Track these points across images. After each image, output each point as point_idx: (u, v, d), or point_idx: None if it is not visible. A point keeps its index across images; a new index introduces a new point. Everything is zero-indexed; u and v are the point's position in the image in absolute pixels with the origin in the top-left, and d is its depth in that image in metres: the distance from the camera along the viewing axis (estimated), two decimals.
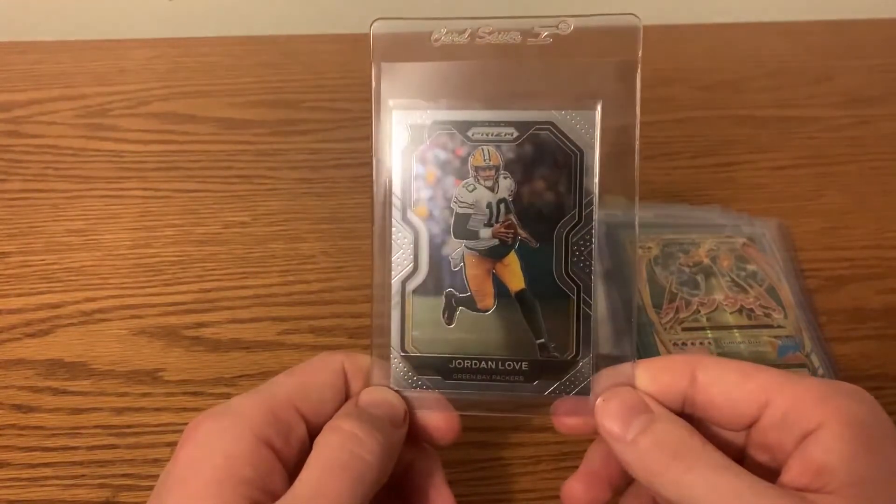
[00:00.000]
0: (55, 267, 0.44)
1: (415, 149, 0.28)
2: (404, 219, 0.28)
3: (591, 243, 0.28)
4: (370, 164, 0.28)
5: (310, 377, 0.28)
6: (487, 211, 0.28)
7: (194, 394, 0.39)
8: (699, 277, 0.43)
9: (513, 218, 0.28)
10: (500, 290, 0.28)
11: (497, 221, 0.28)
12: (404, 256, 0.28)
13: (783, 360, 0.40)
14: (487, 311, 0.28)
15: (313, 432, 0.27)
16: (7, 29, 0.65)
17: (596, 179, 0.28)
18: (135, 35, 0.63)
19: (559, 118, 0.28)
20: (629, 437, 0.26)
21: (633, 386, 0.28)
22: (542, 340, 0.28)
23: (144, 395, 0.39)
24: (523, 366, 0.28)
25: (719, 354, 0.40)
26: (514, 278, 0.28)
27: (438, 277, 0.28)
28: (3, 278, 0.44)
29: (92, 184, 0.49)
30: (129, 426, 0.37)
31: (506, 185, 0.28)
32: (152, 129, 0.54)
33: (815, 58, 0.64)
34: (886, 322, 0.42)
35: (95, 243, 0.46)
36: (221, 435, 0.26)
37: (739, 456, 0.28)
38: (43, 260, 0.45)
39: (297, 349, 0.41)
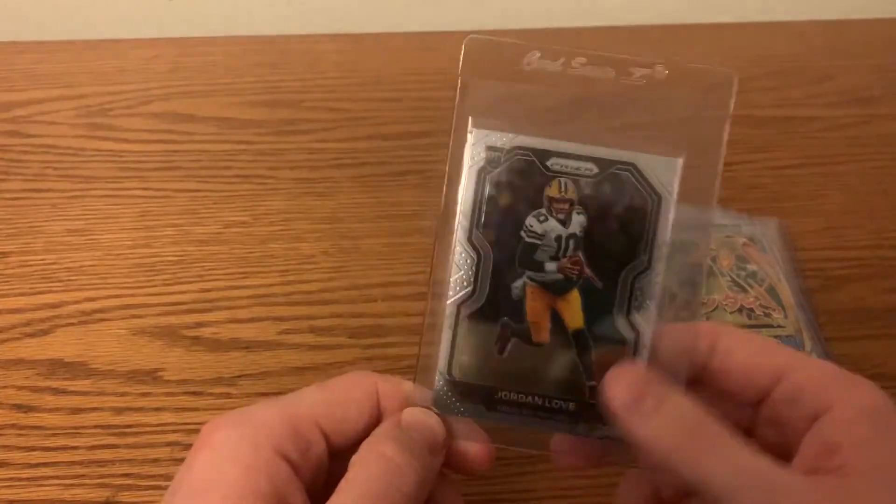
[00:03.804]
0: (55, 267, 0.44)
1: (490, 170, 0.27)
2: (469, 240, 0.27)
3: (654, 291, 0.27)
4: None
5: (339, 395, 0.27)
6: (556, 244, 0.27)
7: (194, 393, 0.39)
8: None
9: (581, 255, 0.27)
10: (558, 326, 0.27)
11: (564, 256, 0.27)
12: (464, 278, 0.27)
13: None
14: (541, 345, 0.27)
15: (333, 449, 0.27)
16: (7, 29, 0.65)
17: (669, 228, 0.27)
18: (135, 35, 0.63)
19: (642, 161, 0.27)
20: (641, 414, 0.25)
21: (643, 364, 0.27)
22: (594, 383, 0.27)
23: (144, 394, 0.39)
24: (571, 406, 0.27)
25: None
26: (574, 316, 0.27)
27: (496, 305, 0.27)
28: (3, 278, 0.44)
29: (92, 183, 0.49)
30: (128, 426, 0.37)
31: (578, 220, 0.27)
32: (152, 128, 0.54)
33: (815, 58, 0.64)
34: (886, 322, 0.42)
35: (95, 243, 0.46)
36: (239, 444, 0.25)
37: (747, 434, 0.27)
38: (43, 260, 0.45)
39: (296, 349, 0.41)
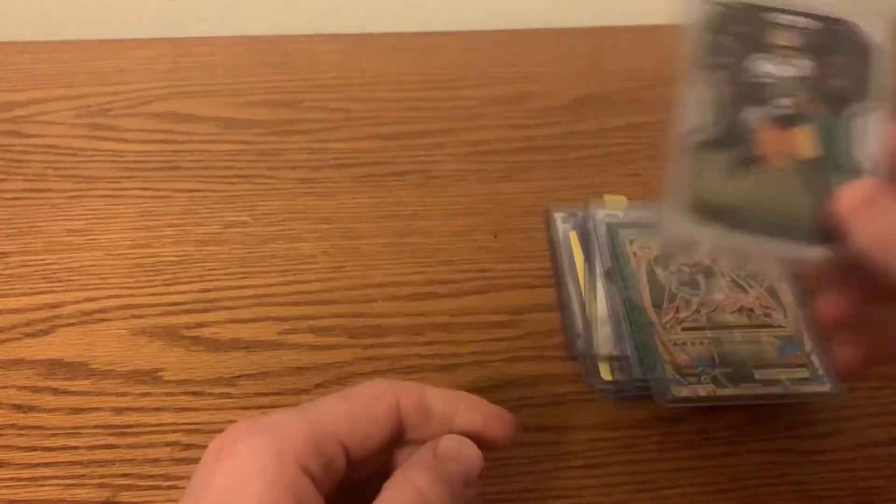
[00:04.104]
0: (55, 267, 0.44)
1: (720, 21, 0.30)
2: (701, 79, 0.30)
3: (880, 127, 0.29)
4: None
5: (361, 410, 0.27)
6: (787, 83, 0.30)
7: (194, 393, 0.39)
8: (699, 277, 0.43)
9: (807, 94, 0.30)
10: (791, 156, 0.29)
11: (795, 93, 0.30)
12: (699, 111, 0.30)
13: (783, 360, 0.40)
14: (776, 173, 0.29)
15: (352, 463, 0.27)
16: (7, 29, 0.65)
17: (888, 73, 0.30)
18: (135, 35, 0.63)
19: (857, 18, 0.31)
20: (868, 216, 0.26)
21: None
22: (827, 208, 0.28)
23: (144, 394, 0.39)
24: (806, 228, 0.29)
25: (719, 354, 0.40)
26: (806, 146, 0.29)
27: (731, 135, 0.29)
28: (3, 278, 0.44)
29: (92, 183, 0.49)
30: (129, 426, 0.37)
31: (803, 63, 0.30)
32: (152, 128, 0.54)
33: None
34: None
35: (95, 243, 0.46)
36: (264, 457, 0.24)
37: None
38: (43, 260, 0.45)
39: (296, 349, 0.41)
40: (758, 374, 0.39)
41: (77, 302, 0.42)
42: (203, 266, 0.45)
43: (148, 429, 0.37)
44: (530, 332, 0.42)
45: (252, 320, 0.42)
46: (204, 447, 0.37)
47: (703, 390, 0.38)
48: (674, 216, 0.28)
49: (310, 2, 0.67)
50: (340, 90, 0.58)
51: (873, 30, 0.31)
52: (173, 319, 0.42)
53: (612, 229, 0.45)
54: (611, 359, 0.40)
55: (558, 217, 0.47)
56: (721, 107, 0.29)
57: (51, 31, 0.65)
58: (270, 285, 0.44)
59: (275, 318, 0.42)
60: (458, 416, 0.29)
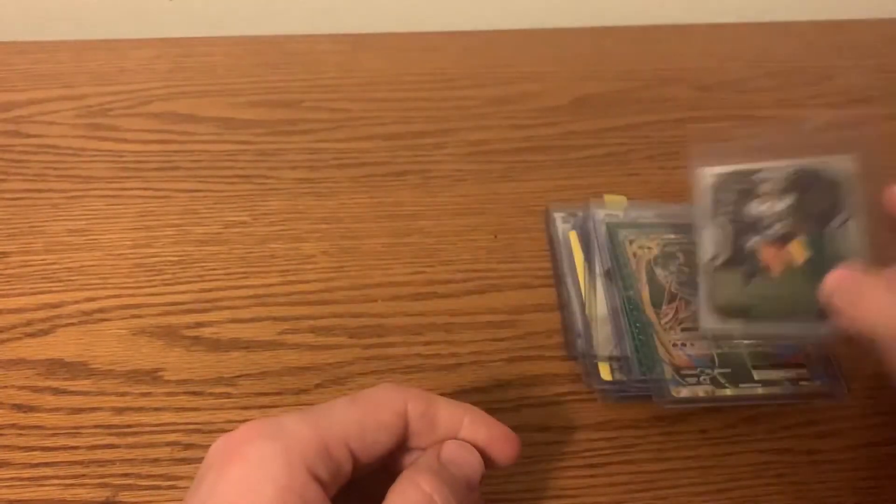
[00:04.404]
0: (55, 267, 0.44)
1: (721, 185, 0.39)
2: (714, 222, 0.38)
3: (858, 236, 0.37)
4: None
5: (370, 416, 0.27)
6: (775, 216, 0.38)
7: (194, 393, 0.39)
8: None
9: (796, 218, 0.38)
10: (788, 262, 0.37)
11: (783, 221, 0.38)
12: (712, 245, 0.38)
13: (783, 360, 0.40)
14: (775, 279, 0.37)
15: (357, 467, 0.27)
16: (7, 29, 0.65)
17: (858, 192, 0.38)
18: (135, 35, 0.63)
19: (817, 163, 0.39)
20: (840, 296, 0.33)
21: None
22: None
23: (144, 394, 0.39)
24: (807, 314, 0.35)
25: (719, 355, 0.40)
26: (799, 253, 0.37)
27: (737, 257, 0.38)
28: (4, 278, 0.44)
29: (92, 184, 0.49)
30: (129, 426, 0.37)
31: (787, 200, 0.38)
32: (152, 128, 0.54)
33: (815, 58, 0.64)
34: None
35: (95, 243, 0.46)
36: (274, 462, 0.25)
37: None
38: (43, 260, 0.45)
39: (296, 349, 0.41)
40: (757, 375, 0.39)
41: (77, 302, 0.42)
42: (203, 266, 0.45)
43: (148, 429, 0.37)
44: (530, 332, 0.42)
45: (252, 320, 0.42)
46: (204, 447, 0.37)
47: (702, 391, 0.38)
48: (706, 318, 0.37)
49: (310, 2, 0.67)
50: (340, 90, 0.58)
51: (838, 167, 0.39)
52: (173, 319, 0.42)
53: (612, 229, 0.45)
54: (610, 359, 0.40)
55: (558, 217, 0.47)
56: (729, 239, 0.38)
57: (51, 31, 0.65)
58: (270, 285, 0.44)
59: (275, 318, 0.42)
60: (462, 430, 0.29)
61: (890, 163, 0.39)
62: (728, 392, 0.38)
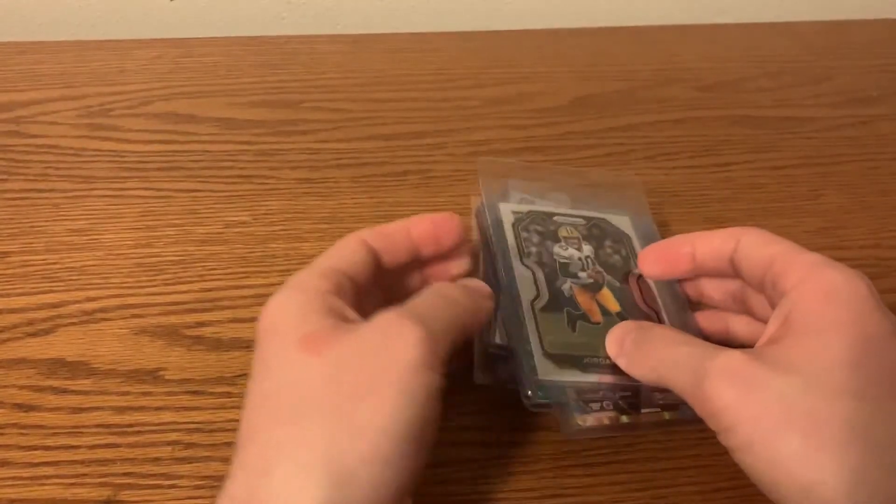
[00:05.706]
0: (56, 266, 0.44)
1: (521, 223, 0.41)
2: (522, 263, 0.38)
3: (651, 286, 0.40)
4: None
5: (343, 252, 0.34)
6: (580, 262, 0.40)
7: (195, 393, 0.39)
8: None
9: (599, 267, 0.40)
10: (604, 310, 0.38)
11: (588, 269, 0.40)
12: (529, 286, 0.37)
13: None
14: (598, 323, 0.37)
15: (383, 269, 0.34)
16: (7, 29, 0.65)
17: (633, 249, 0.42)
18: (136, 35, 0.63)
19: (609, 217, 0.43)
20: (621, 352, 0.34)
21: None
22: None
23: (145, 394, 0.39)
24: None
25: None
26: (611, 303, 0.38)
27: (557, 300, 0.37)
28: (5, 278, 0.44)
29: (93, 184, 0.50)
30: (130, 425, 0.37)
31: (587, 248, 0.40)
32: (153, 128, 0.54)
33: (815, 58, 0.64)
34: None
35: (97, 243, 0.46)
36: (290, 296, 0.31)
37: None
38: (44, 259, 0.45)
39: None
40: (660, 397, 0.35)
41: (78, 301, 0.43)
42: (204, 266, 0.45)
43: (149, 428, 0.37)
44: None
45: (253, 320, 0.42)
46: (205, 447, 0.37)
47: (606, 418, 0.34)
48: (536, 365, 0.34)
49: (310, 2, 0.67)
50: (340, 90, 0.58)
51: (619, 222, 0.43)
52: (174, 319, 0.42)
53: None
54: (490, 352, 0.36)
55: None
56: (542, 282, 0.38)
57: (51, 31, 0.65)
58: (271, 285, 0.44)
59: None
60: (411, 228, 0.35)
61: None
62: (625, 420, 0.35)
